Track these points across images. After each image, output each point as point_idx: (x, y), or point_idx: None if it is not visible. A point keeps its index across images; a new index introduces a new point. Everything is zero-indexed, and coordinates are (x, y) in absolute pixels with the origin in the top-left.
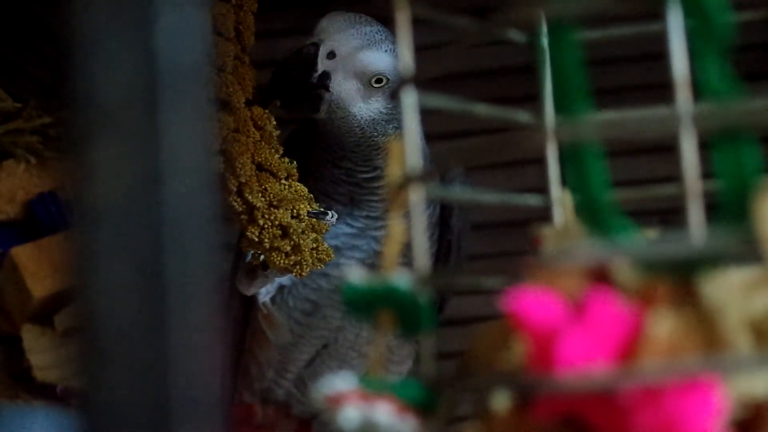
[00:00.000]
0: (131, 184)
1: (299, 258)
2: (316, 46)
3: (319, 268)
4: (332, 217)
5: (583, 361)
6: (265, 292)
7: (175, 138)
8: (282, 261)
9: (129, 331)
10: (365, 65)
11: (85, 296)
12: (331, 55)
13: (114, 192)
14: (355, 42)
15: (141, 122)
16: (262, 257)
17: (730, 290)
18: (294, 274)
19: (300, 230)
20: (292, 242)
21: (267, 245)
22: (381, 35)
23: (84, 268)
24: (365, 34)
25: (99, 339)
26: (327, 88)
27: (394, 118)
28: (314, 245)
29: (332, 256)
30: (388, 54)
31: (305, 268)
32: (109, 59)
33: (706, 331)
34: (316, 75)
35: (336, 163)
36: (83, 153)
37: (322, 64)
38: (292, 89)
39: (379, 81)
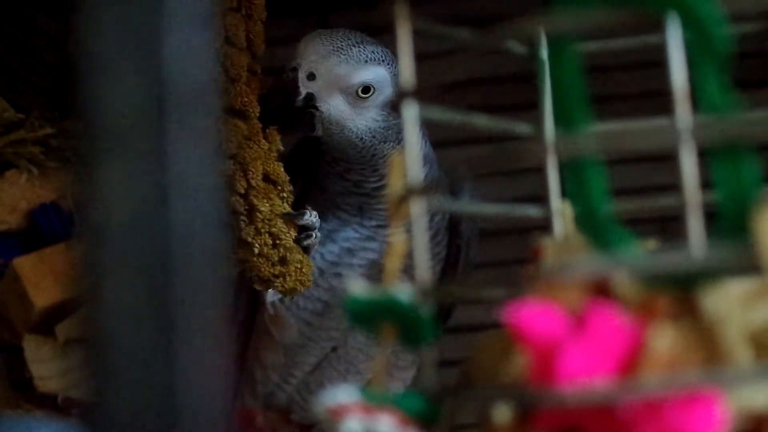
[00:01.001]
0: (139, 202)
1: (284, 270)
2: (295, 70)
3: (299, 288)
4: (310, 216)
5: (584, 374)
6: (272, 293)
7: (183, 157)
8: (268, 269)
9: (136, 347)
10: (346, 79)
11: (93, 314)
12: (311, 76)
13: (122, 210)
14: (332, 58)
15: (149, 141)
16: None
17: (729, 303)
18: (276, 286)
19: (288, 244)
20: (280, 254)
21: (257, 250)
22: (359, 46)
23: (92, 286)
24: (342, 48)
25: (106, 357)
26: (316, 108)
27: (392, 125)
28: (298, 266)
29: (311, 284)
30: (370, 63)
31: (288, 282)
32: (118, 78)
33: (707, 344)
34: (300, 99)
35: (343, 176)
36: (91, 171)
37: (304, 87)
38: (281, 115)
39: (366, 91)
